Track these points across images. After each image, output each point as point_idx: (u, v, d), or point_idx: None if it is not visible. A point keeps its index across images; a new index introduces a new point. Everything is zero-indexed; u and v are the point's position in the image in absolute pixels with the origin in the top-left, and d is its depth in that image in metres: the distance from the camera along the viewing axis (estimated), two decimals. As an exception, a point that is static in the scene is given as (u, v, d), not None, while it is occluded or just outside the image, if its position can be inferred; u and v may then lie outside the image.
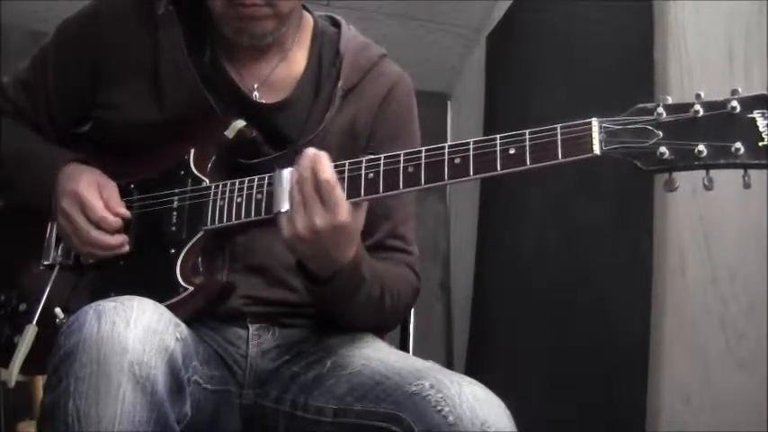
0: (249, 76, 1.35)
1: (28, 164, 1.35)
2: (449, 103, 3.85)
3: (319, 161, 1.11)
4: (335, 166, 1.13)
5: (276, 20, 1.27)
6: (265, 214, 1.19)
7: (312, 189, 1.10)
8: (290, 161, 1.25)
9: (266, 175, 1.21)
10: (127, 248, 1.26)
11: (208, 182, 1.27)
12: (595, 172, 2.09)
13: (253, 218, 1.20)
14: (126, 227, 1.28)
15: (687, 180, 1.04)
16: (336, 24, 1.42)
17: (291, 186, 1.12)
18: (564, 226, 2.40)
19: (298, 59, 1.37)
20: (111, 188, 1.30)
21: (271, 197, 1.18)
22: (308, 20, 1.40)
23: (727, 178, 1.01)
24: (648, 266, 1.95)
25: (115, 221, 1.26)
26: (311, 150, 1.13)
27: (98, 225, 1.25)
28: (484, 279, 3.06)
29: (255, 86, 1.34)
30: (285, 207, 1.12)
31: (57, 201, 1.28)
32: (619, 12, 2.20)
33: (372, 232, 1.31)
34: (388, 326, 1.43)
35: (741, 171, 1.00)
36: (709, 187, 1.01)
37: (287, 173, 1.14)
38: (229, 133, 1.28)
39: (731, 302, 1.74)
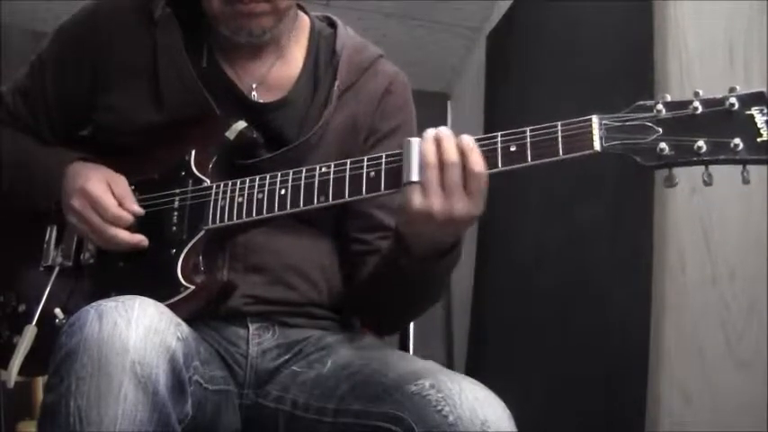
0: (247, 76, 1.35)
1: (31, 169, 1.35)
2: (449, 103, 3.85)
3: (473, 151, 1.08)
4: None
5: (274, 16, 1.28)
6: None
7: (459, 177, 1.08)
8: (289, 161, 1.25)
9: (267, 175, 1.21)
10: (146, 244, 1.25)
11: (209, 182, 1.27)
12: (595, 171, 2.09)
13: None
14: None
15: (687, 180, 1.05)
16: (333, 25, 1.42)
17: (424, 160, 1.09)
18: (564, 225, 2.40)
19: (295, 59, 1.37)
20: (122, 183, 1.29)
21: (273, 195, 1.19)
22: (305, 20, 1.41)
23: (727, 178, 1.01)
24: (648, 266, 1.95)
25: (128, 218, 1.25)
26: (458, 136, 1.10)
27: (113, 223, 1.25)
28: (484, 279, 3.06)
29: (254, 86, 1.34)
30: (415, 177, 1.09)
31: (65, 199, 1.28)
32: (619, 12, 2.21)
33: (380, 226, 1.33)
34: (416, 317, 1.42)
35: (740, 170, 1.00)
36: (708, 182, 1.01)
37: (416, 143, 1.10)
38: (230, 134, 1.27)
39: (731, 302, 1.74)
